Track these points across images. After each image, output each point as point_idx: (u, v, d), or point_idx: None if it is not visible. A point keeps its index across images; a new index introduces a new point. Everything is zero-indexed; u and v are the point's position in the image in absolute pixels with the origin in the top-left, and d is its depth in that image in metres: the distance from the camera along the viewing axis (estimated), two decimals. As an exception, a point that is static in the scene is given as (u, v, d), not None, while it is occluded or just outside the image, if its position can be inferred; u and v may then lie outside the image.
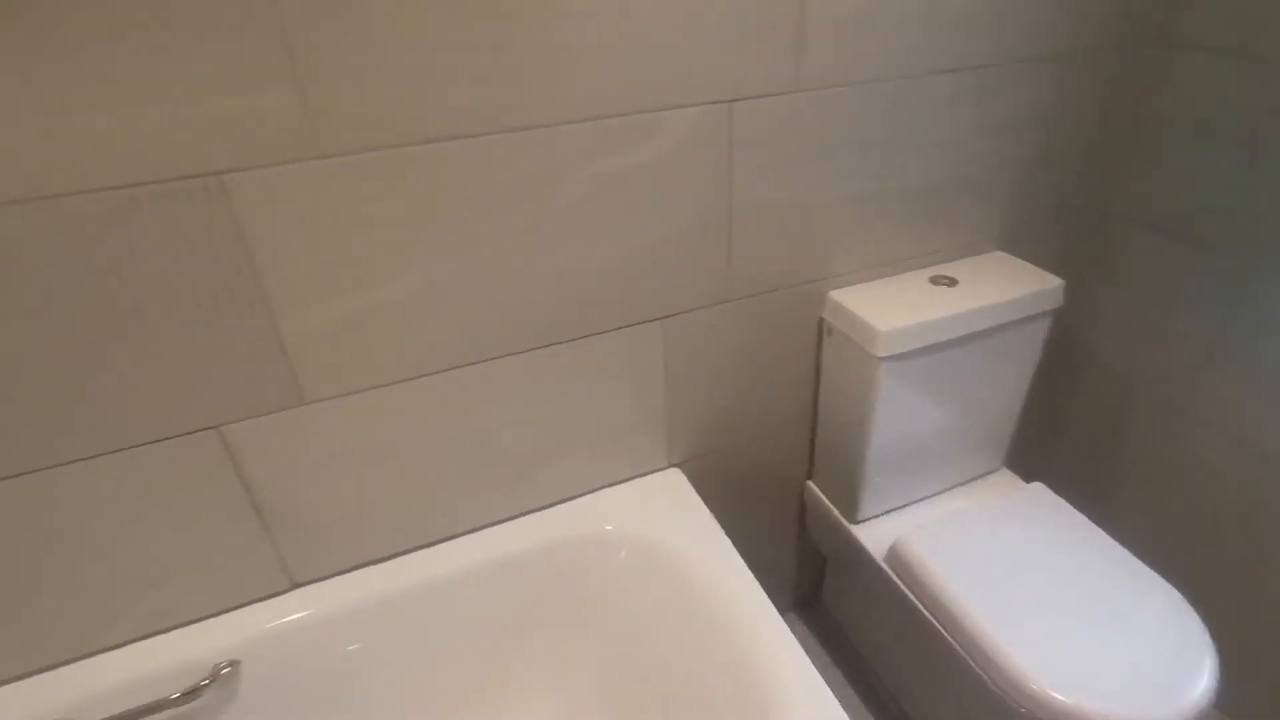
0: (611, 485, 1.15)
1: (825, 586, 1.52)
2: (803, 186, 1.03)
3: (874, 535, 1.22)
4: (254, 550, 0.98)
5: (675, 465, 1.18)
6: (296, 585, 1.03)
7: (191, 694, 0.96)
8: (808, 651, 1.00)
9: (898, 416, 1.14)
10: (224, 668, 0.98)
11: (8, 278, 0.72)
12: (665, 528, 1.07)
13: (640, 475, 1.16)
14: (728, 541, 1.04)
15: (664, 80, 0.89)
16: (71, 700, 0.91)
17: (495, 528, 1.09)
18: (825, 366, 1.20)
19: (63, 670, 0.94)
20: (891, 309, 1.07)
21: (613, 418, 1.10)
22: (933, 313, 1.06)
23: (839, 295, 1.13)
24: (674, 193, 0.96)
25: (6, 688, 0.92)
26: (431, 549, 1.07)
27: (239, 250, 0.79)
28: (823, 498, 1.29)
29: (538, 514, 1.11)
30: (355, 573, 1.05)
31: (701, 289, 1.06)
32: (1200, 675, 0.94)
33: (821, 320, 1.17)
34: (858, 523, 1.23)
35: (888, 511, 1.26)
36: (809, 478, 1.34)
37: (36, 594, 0.89)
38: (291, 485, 0.95)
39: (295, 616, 1.01)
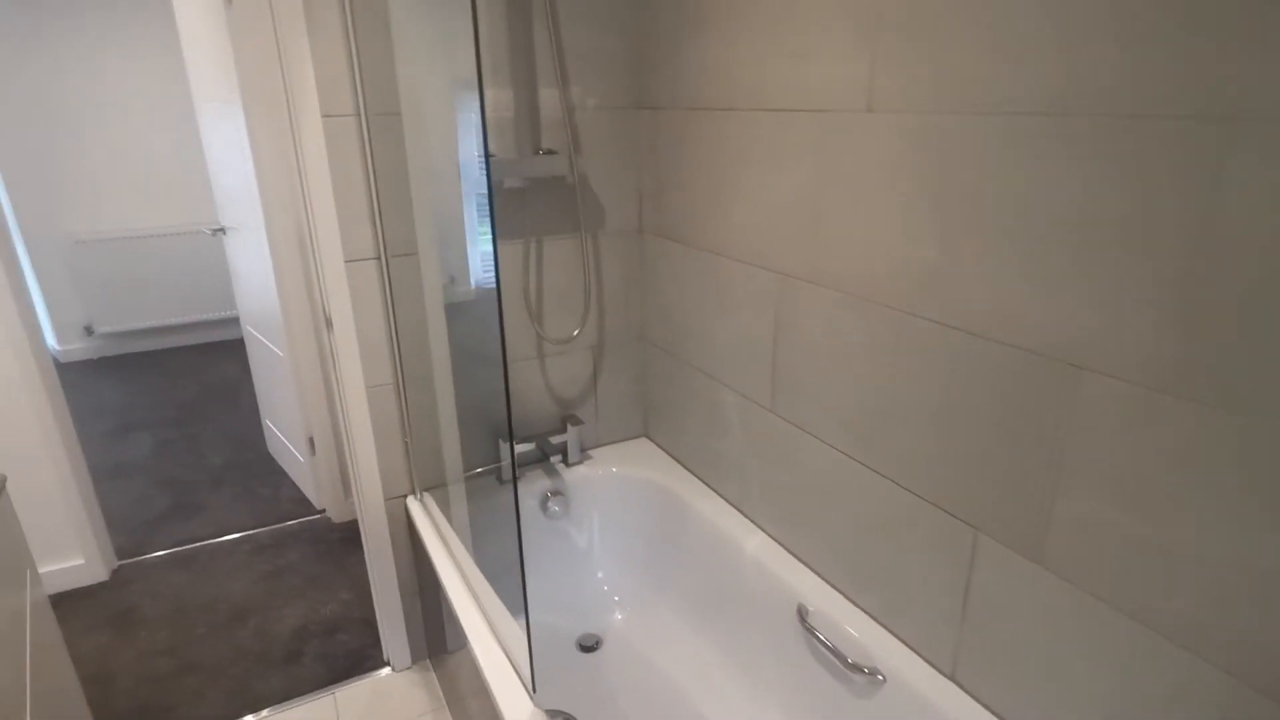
0: None
1: None
2: None
3: None
4: (944, 626, 1.18)
5: None
6: (953, 678, 1.18)
7: (855, 668, 1.30)
8: None
9: None
10: (879, 675, 1.27)
11: (920, 367, 1.10)
12: None
13: None
14: None
15: None
16: (806, 594, 1.39)
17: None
18: None
19: (838, 597, 1.42)
20: None
21: None
22: None
23: None
24: None
25: (816, 580, 1.47)
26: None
27: (1063, 425, 0.93)
28: None
29: None
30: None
31: None
32: None
33: None
34: None
35: None
36: None
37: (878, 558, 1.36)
38: (997, 614, 1.08)
39: (930, 692, 1.18)
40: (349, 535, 2.61)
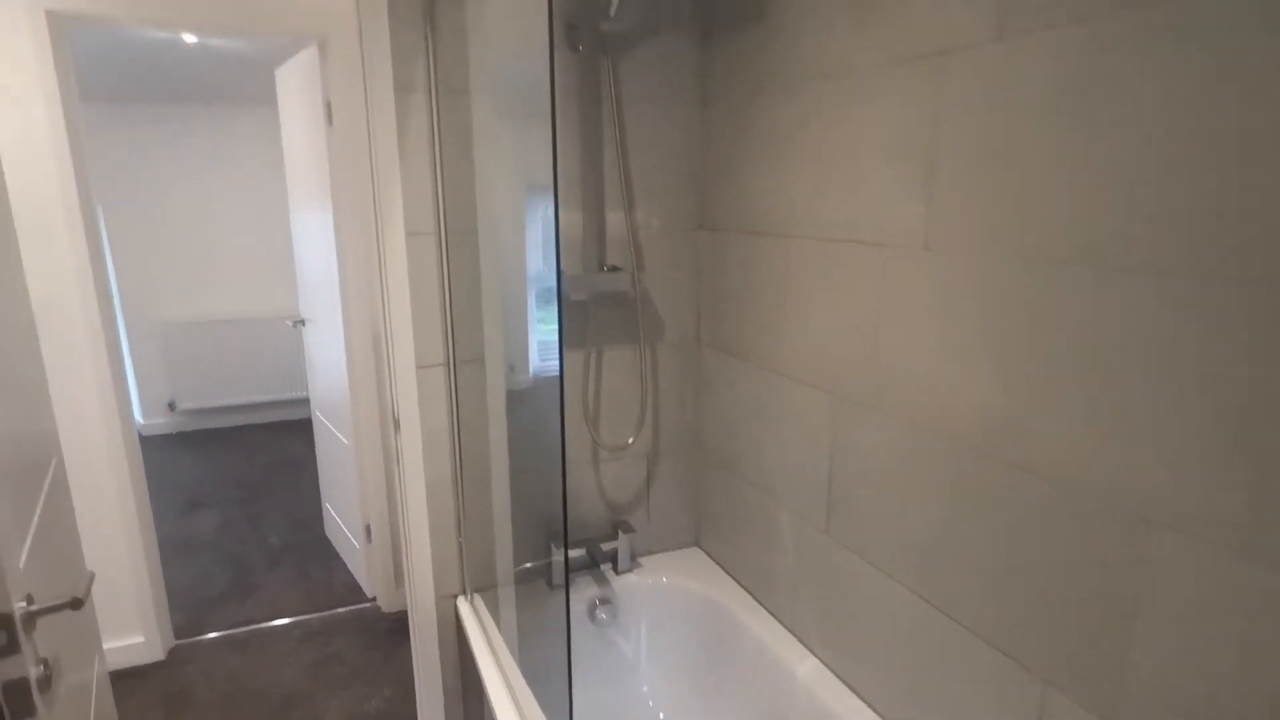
0: None
1: None
2: None
3: None
4: (1012, 784, 1.10)
5: None
6: (1023, 844, 1.10)
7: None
8: None
9: None
10: (940, 830, 1.19)
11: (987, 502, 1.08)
12: None
13: None
14: None
15: None
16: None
17: None
18: None
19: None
20: None
21: None
22: None
23: None
24: None
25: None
26: None
27: (1134, 580, 0.90)
28: None
29: None
30: None
31: None
32: None
33: None
34: None
35: None
36: None
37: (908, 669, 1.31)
38: (1065, 772, 1.02)
39: None
40: (396, 626, 2.62)
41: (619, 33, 1.63)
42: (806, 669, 1.51)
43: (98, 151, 4.15)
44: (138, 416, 4.57)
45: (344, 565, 3.04)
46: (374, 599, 2.78)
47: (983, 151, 1.05)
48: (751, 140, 1.57)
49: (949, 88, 1.09)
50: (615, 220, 1.74)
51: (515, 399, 1.71)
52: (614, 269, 1.74)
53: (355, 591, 2.85)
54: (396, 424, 1.68)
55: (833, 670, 1.49)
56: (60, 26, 2.07)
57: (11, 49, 2.00)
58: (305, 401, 4.72)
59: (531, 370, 1.75)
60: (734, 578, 1.85)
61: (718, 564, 1.92)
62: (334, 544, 3.20)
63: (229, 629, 2.62)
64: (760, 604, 1.73)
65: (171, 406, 4.61)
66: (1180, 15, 0.80)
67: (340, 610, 2.73)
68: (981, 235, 1.06)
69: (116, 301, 4.32)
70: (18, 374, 1.12)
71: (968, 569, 1.14)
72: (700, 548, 2.01)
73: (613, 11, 1.55)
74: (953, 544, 1.17)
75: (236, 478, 4.00)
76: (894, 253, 1.23)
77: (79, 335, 2.19)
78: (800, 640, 1.59)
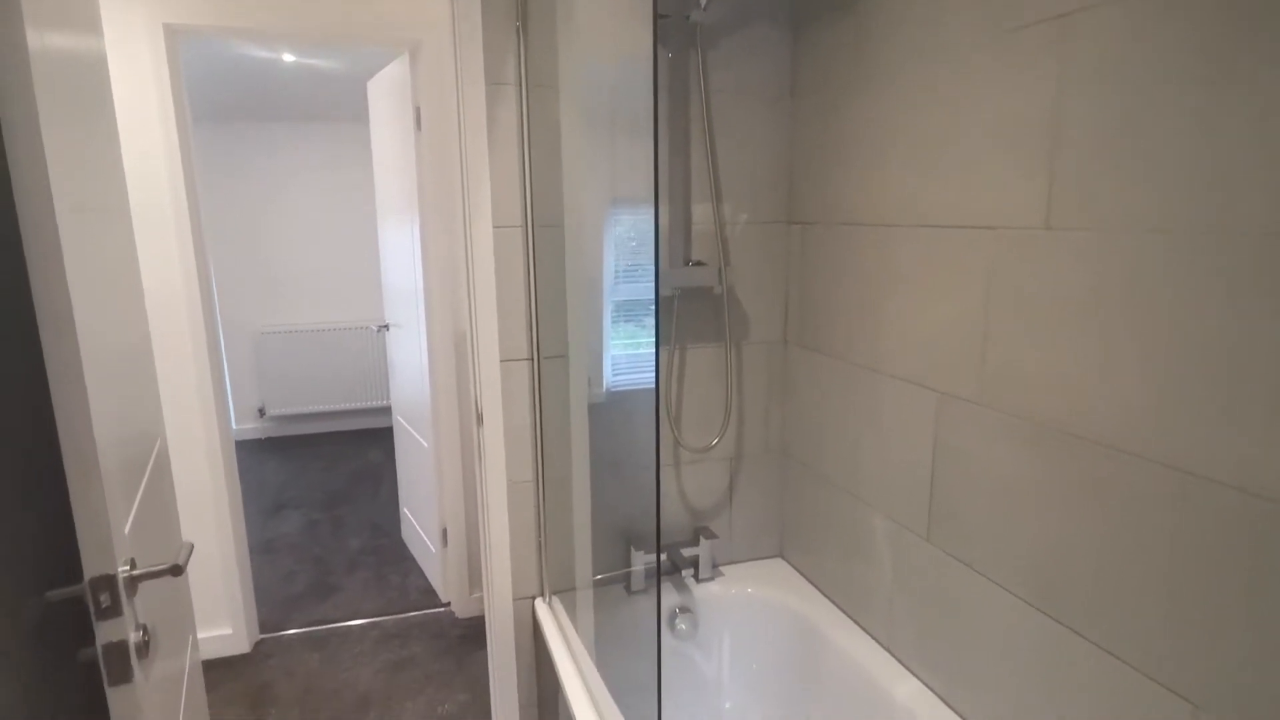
0: None
1: None
2: None
3: None
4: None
5: None
6: None
7: None
8: None
9: None
10: None
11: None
12: None
13: None
14: None
15: None
16: None
17: None
18: None
19: None
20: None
21: None
22: None
23: None
24: None
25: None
26: None
27: (1309, 591, 0.78)
28: None
29: None
30: None
31: None
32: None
33: None
34: None
35: None
36: None
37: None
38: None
39: None
40: (469, 633, 2.61)
41: (708, 24, 1.60)
42: (906, 691, 1.40)
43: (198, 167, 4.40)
44: (232, 422, 4.79)
45: (419, 569, 3.07)
46: (448, 604, 2.79)
47: (1118, 115, 0.96)
48: (847, 130, 1.51)
49: (1073, 49, 1.01)
50: (702, 214, 1.70)
51: (597, 410, 1.68)
52: (699, 264, 1.69)
53: (430, 595, 2.86)
54: (480, 418, 1.67)
55: (936, 693, 1.38)
56: (175, 40, 2.19)
57: (133, 65, 2.13)
58: (387, 410, 4.85)
59: (613, 367, 1.73)
60: (822, 591, 1.75)
61: (804, 576, 1.82)
62: (410, 548, 3.23)
63: (309, 626, 2.67)
64: (852, 619, 1.63)
65: (261, 412, 4.81)
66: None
67: (415, 614, 2.74)
68: (1118, 208, 0.97)
69: (218, 314, 4.55)
70: (132, 357, 1.16)
71: (1103, 581, 1.03)
72: (784, 559, 1.92)
73: (704, 2, 1.53)
74: (1085, 554, 1.05)
75: (320, 483, 4.11)
76: (1006, 236, 1.14)
77: (184, 338, 2.30)
78: (898, 659, 1.48)
